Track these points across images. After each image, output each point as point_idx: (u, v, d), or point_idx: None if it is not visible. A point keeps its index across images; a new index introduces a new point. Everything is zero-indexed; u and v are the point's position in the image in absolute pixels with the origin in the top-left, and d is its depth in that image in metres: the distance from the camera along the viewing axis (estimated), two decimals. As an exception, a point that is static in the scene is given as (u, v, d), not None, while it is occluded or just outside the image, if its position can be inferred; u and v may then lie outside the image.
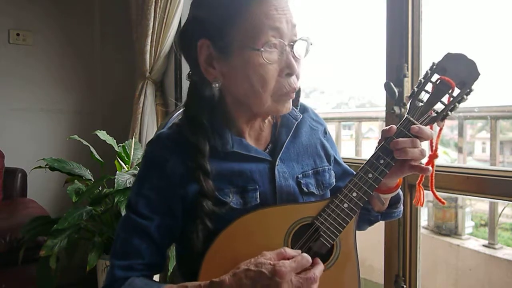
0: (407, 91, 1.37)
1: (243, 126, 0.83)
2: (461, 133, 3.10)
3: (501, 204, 2.74)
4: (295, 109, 0.88)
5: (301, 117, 0.89)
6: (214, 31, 0.75)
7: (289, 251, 0.69)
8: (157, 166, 0.79)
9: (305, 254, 0.68)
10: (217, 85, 0.78)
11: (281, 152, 0.84)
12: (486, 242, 2.77)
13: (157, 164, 0.79)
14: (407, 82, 1.37)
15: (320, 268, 0.70)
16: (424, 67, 1.38)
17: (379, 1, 1.48)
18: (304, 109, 0.93)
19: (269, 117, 0.86)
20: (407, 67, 1.37)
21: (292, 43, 0.75)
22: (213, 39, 0.76)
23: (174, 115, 1.13)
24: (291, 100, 0.79)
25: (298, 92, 0.88)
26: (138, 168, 2.02)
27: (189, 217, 0.77)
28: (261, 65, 0.73)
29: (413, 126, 0.76)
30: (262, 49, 0.72)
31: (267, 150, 0.85)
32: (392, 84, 1.35)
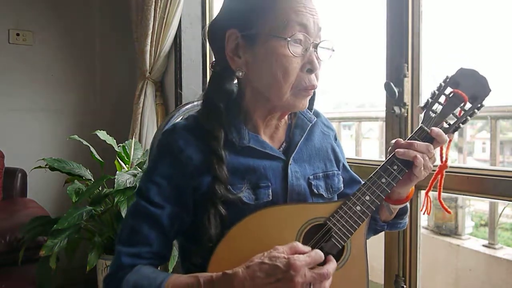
0: (407, 91, 1.37)
1: (259, 123, 0.84)
2: (461, 133, 3.10)
3: (501, 204, 2.74)
4: (310, 112, 0.90)
5: (315, 119, 0.90)
6: (244, 21, 0.78)
7: (301, 246, 0.69)
8: (171, 155, 0.79)
9: (318, 250, 0.69)
10: (240, 74, 0.80)
11: (294, 152, 0.85)
12: (486, 242, 2.76)
13: (171, 153, 0.80)
14: (407, 82, 1.37)
15: (333, 265, 0.71)
16: (424, 67, 1.38)
17: (379, 1, 1.48)
18: (317, 114, 0.95)
19: (286, 117, 0.88)
20: (407, 67, 1.37)
21: (316, 43, 0.77)
22: (241, 29, 0.78)
23: (175, 115, 1.13)
24: (308, 98, 0.81)
25: (313, 96, 0.89)
26: (139, 169, 2.03)
27: (201, 208, 0.77)
28: (285, 56, 0.75)
29: (433, 128, 0.78)
30: (289, 39, 0.74)
31: (281, 149, 0.86)
32: (392, 84, 1.35)
